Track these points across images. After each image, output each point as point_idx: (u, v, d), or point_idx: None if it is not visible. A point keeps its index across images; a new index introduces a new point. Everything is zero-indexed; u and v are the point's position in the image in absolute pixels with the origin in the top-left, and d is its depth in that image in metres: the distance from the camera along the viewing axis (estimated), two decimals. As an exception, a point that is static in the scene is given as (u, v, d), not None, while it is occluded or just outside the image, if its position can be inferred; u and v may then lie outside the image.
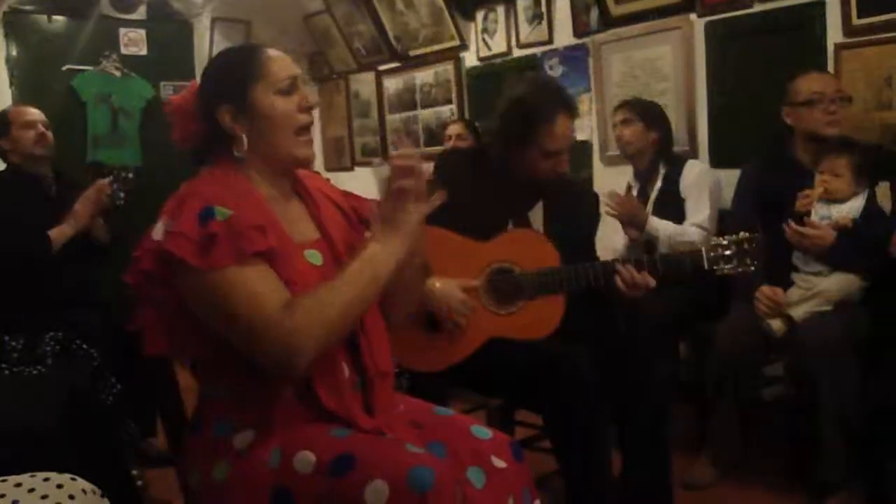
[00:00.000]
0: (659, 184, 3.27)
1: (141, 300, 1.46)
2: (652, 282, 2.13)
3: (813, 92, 2.73)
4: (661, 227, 3.11)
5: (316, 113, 1.63)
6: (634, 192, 3.37)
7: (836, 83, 2.79)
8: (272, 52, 1.55)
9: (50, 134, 3.17)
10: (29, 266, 2.91)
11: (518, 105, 2.22)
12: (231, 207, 1.39)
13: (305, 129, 1.54)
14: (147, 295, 1.44)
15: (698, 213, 3.13)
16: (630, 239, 3.26)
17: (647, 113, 3.31)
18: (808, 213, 2.64)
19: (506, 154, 2.25)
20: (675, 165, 3.27)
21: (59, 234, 2.96)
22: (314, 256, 1.52)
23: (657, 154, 3.30)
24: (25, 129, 3.12)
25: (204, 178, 1.51)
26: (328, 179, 1.84)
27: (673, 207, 3.19)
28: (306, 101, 1.54)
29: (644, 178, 3.34)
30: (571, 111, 2.24)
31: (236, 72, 1.53)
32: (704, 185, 3.17)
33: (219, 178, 1.50)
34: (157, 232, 1.40)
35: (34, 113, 3.20)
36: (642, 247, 3.21)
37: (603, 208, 3.11)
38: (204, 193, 1.42)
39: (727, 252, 2.13)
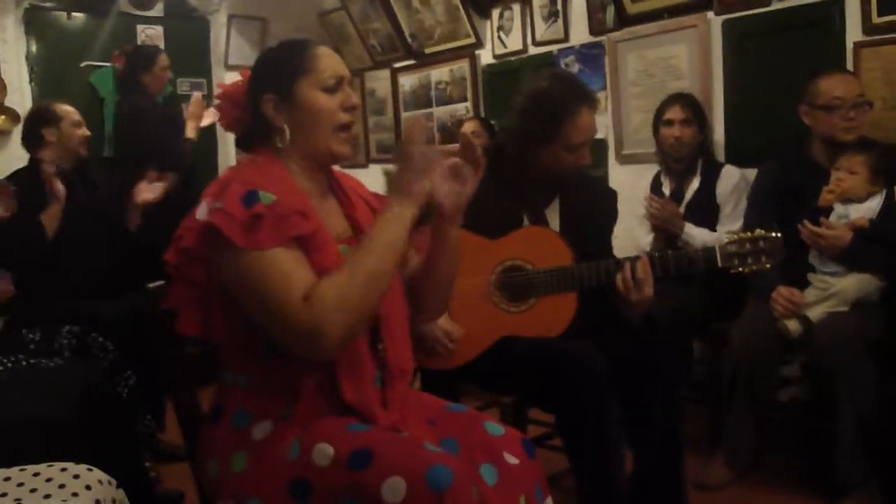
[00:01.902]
0: (696, 186, 3.23)
1: (177, 280, 1.49)
2: (647, 291, 2.11)
3: (834, 97, 2.70)
4: (698, 234, 3.07)
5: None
6: (667, 192, 3.32)
7: (858, 86, 2.74)
8: (323, 50, 1.57)
9: None
10: (29, 253, 2.96)
11: (540, 100, 2.21)
12: (274, 193, 1.42)
13: (345, 127, 1.56)
14: (183, 274, 1.47)
15: (734, 221, 3.10)
16: (655, 238, 3.23)
17: (700, 112, 3.26)
18: (828, 213, 2.62)
19: (526, 150, 2.24)
20: (713, 169, 3.23)
21: (49, 216, 3.05)
22: (346, 251, 1.53)
23: (697, 156, 3.26)
24: (76, 127, 3.30)
25: (245, 166, 1.54)
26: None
27: (706, 212, 3.16)
28: (349, 100, 1.56)
29: (681, 179, 3.29)
30: (593, 104, 2.24)
31: (285, 63, 1.56)
32: (742, 193, 3.14)
33: (259, 166, 1.53)
34: (201, 211, 1.43)
35: (78, 113, 3.36)
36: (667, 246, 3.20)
37: (631, 202, 3.10)
38: (247, 179, 1.45)
39: (742, 250, 2.11)
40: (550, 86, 2.22)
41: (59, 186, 3.05)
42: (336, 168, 1.69)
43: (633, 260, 2.14)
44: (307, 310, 1.35)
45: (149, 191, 3.29)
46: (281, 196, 1.43)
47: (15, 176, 3.25)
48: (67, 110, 3.31)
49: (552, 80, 2.25)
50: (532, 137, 2.21)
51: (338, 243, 1.54)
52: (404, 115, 5.31)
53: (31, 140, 3.26)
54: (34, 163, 3.25)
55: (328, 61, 1.55)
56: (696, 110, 3.25)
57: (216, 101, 1.67)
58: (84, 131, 3.32)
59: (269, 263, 1.38)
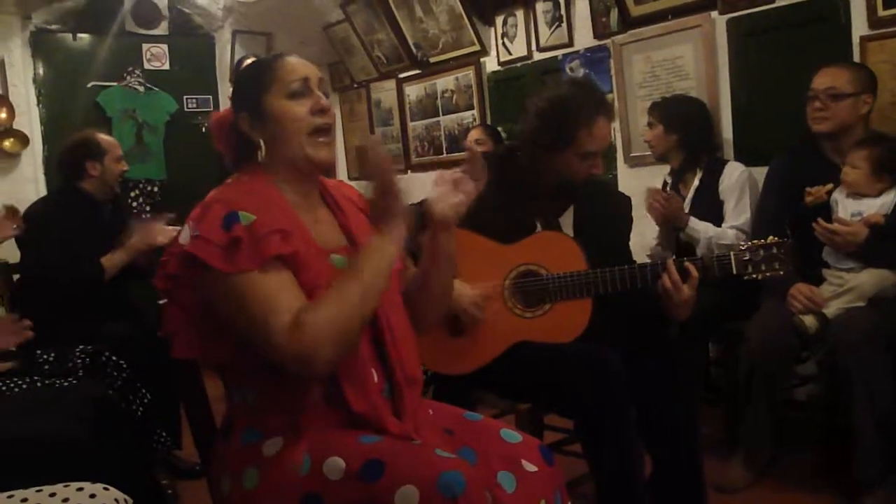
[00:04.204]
0: (696, 183, 3.25)
1: (169, 304, 1.49)
2: (686, 291, 2.09)
3: (810, 88, 2.75)
4: (702, 228, 3.08)
5: (338, 121, 1.63)
6: (668, 189, 3.34)
7: (833, 78, 2.72)
8: (288, 58, 1.57)
9: None
10: (80, 289, 3.01)
11: (558, 105, 2.19)
12: (255, 213, 1.41)
13: (321, 130, 1.54)
14: (175, 299, 1.47)
15: (738, 216, 3.11)
16: (660, 235, 3.24)
17: (668, 114, 3.30)
18: (827, 210, 2.61)
19: (538, 155, 2.23)
20: (715, 166, 3.24)
21: (111, 262, 3.12)
22: (340, 261, 1.53)
23: (688, 154, 3.28)
24: (118, 162, 3.31)
25: (231, 185, 1.53)
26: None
27: (710, 208, 3.16)
28: (318, 103, 1.54)
29: (677, 177, 3.33)
30: (610, 114, 2.23)
31: (252, 80, 1.57)
32: (745, 188, 3.15)
33: (245, 184, 1.52)
34: (184, 237, 1.43)
35: (120, 147, 3.39)
36: (674, 245, 3.19)
37: (643, 205, 3.10)
38: (229, 200, 1.44)
39: (756, 257, 2.11)
40: (569, 92, 2.21)
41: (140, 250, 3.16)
42: (332, 180, 1.70)
43: (665, 266, 2.12)
44: (295, 337, 1.35)
45: (162, 234, 3.27)
46: (262, 215, 1.42)
47: (50, 200, 3.35)
48: (112, 143, 3.32)
49: (571, 87, 2.24)
50: (546, 142, 2.20)
51: (330, 252, 1.53)
52: (411, 124, 5.32)
53: (72, 170, 3.26)
54: (70, 188, 3.28)
55: (290, 67, 1.54)
56: (662, 113, 3.31)
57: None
58: (123, 165, 3.33)
59: (251, 286, 1.38)
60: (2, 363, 2.01)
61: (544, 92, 2.27)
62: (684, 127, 3.28)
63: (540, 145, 2.22)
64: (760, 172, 3.09)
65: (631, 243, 2.45)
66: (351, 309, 1.39)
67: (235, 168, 1.62)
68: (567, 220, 2.34)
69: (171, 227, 3.30)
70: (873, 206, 2.58)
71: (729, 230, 3.06)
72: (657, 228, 3.27)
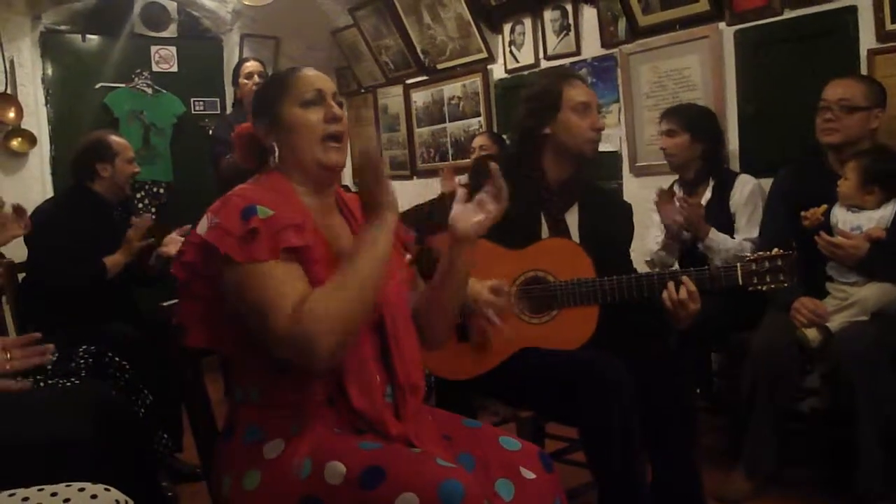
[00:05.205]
0: (708, 195, 3.22)
1: (184, 294, 1.52)
2: (692, 308, 2.11)
3: (821, 99, 2.74)
4: (720, 240, 3.06)
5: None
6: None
7: (846, 90, 2.71)
8: (304, 71, 1.64)
9: None
10: (83, 290, 3.03)
11: (535, 86, 2.39)
12: (273, 208, 1.46)
13: (333, 137, 1.59)
14: (189, 288, 1.51)
15: (752, 229, 3.10)
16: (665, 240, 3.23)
17: (693, 122, 3.22)
18: (828, 225, 2.61)
19: (538, 134, 2.30)
20: (726, 179, 3.22)
21: (114, 262, 3.14)
22: None
23: (705, 165, 3.24)
24: (129, 164, 3.32)
25: (251, 184, 1.59)
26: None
27: (720, 221, 3.13)
28: (331, 111, 1.60)
29: (689, 188, 3.28)
30: (585, 82, 2.40)
31: (269, 90, 1.65)
32: (758, 201, 3.13)
33: (265, 183, 1.58)
34: (202, 227, 1.47)
35: (132, 149, 3.38)
36: (678, 250, 3.18)
37: (644, 212, 3.09)
38: (249, 195, 1.49)
39: (761, 269, 2.12)
40: (540, 77, 2.47)
41: (137, 245, 3.17)
42: (349, 193, 1.74)
43: (675, 276, 2.13)
44: (294, 327, 1.37)
45: (173, 244, 3.26)
46: (279, 211, 1.46)
47: (58, 201, 3.36)
48: (123, 145, 3.32)
49: (543, 73, 2.38)
50: (539, 115, 2.30)
51: (342, 256, 1.55)
52: (417, 130, 5.32)
53: (83, 171, 3.28)
54: (79, 189, 3.29)
55: (306, 79, 1.62)
56: (687, 121, 3.22)
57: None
58: (134, 167, 3.34)
59: (264, 276, 1.41)
60: (20, 382, 2.02)
61: (523, 93, 2.46)
62: (708, 137, 3.23)
63: (536, 124, 2.30)
64: (765, 184, 3.09)
65: (631, 250, 2.46)
66: (349, 299, 1.41)
67: (255, 173, 1.67)
68: (573, 218, 2.35)
69: (183, 239, 3.30)
70: (872, 220, 2.58)
71: (745, 243, 3.04)
72: (658, 234, 3.26)
